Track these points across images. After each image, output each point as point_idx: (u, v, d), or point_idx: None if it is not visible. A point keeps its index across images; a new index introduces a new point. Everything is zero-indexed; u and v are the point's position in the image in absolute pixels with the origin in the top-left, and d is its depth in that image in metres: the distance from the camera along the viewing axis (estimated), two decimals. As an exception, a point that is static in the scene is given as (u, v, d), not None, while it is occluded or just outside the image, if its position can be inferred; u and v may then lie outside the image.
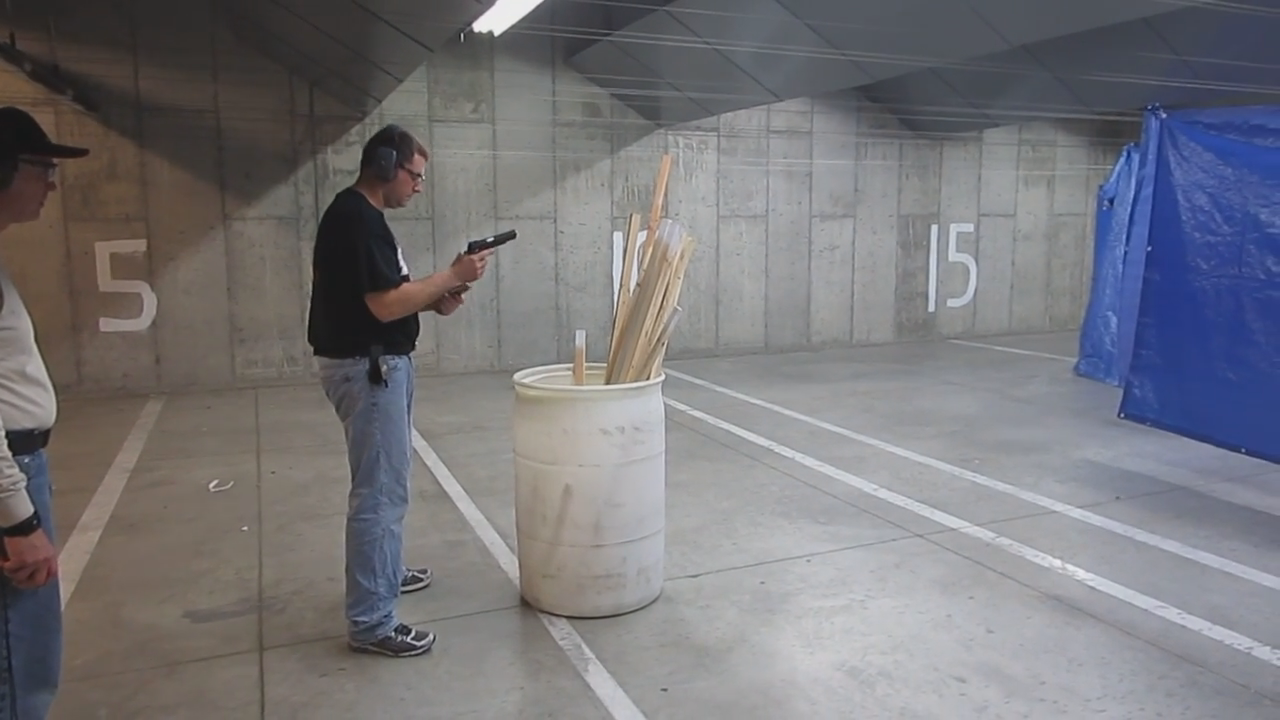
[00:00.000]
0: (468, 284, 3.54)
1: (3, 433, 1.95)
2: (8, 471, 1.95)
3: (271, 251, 8.62)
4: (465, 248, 3.50)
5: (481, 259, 3.47)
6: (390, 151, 3.38)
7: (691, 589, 3.98)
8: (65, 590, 3.92)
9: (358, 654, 3.36)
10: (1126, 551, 4.42)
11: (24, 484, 1.98)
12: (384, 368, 3.31)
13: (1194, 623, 3.61)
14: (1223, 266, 4.98)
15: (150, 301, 8.30)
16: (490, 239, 3.54)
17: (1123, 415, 5.72)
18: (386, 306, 3.30)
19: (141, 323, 8.29)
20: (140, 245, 8.21)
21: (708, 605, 3.81)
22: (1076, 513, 4.98)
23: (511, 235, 3.74)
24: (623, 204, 9.87)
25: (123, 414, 7.49)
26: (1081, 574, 4.11)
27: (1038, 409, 7.65)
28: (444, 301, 3.58)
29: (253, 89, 8.37)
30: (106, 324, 8.18)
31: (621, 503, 3.62)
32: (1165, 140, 5.40)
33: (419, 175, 3.50)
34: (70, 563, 4.25)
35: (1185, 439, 5.63)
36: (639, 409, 3.64)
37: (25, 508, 1.99)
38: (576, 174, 9.70)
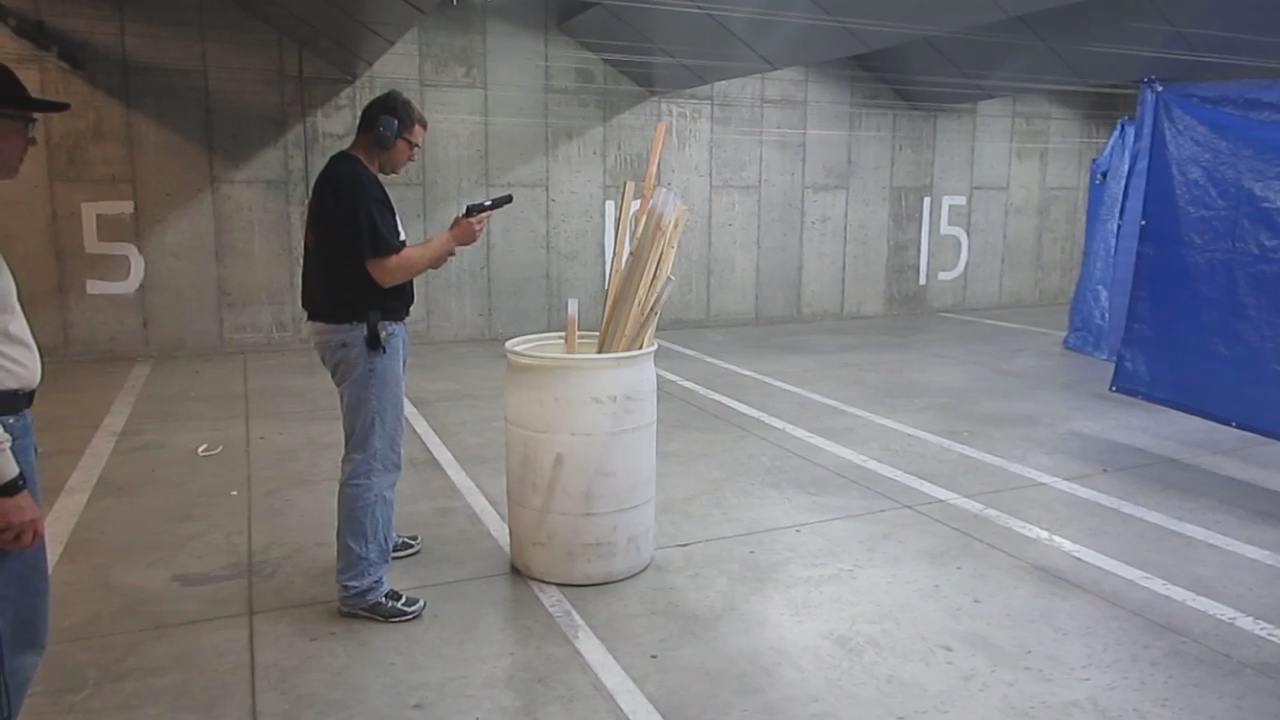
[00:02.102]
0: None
1: None
2: None
3: (260, 215, 8.53)
4: (463, 211, 3.47)
5: (479, 222, 3.45)
6: (392, 120, 3.33)
7: (681, 558, 3.99)
8: (53, 552, 3.92)
9: (348, 619, 3.37)
10: (1113, 523, 4.46)
11: (9, 445, 1.96)
12: (383, 333, 3.29)
13: (1178, 594, 3.66)
14: (1216, 241, 4.98)
15: (138, 264, 8.21)
16: (488, 203, 3.51)
17: (1114, 388, 5.75)
18: (389, 272, 3.27)
19: (129, 285, 8.22)
20: (127, 207, 8.11)
21: (697, 574, 3.83)
22: (1064, 485, 5.02)
23: (508, 199, 3.72)
24: (615, 172, 9.80)
25: (110, 377, 7.44)
26: (1068, 545, 4.15)
27: (1027, 382, 7.69)
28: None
29: (241, 49, 8.24)
30: (94, 286, 8.10)
31: (612, 471, 3.62)
32: (1160, 113, 5.38)
33: (417, 145, 3.47)
34: (58, 525, 4.24)
35: (1173, 412, 5.68)
36: (631, 378, 3.64)
37: (10, 469, 1.97)
38: (569, 141, 9.61)
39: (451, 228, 3.44)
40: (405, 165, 3.51)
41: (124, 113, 7.99)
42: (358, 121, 3.46)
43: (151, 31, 7.93)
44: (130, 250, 8.18)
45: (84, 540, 4.12)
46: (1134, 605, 3.56)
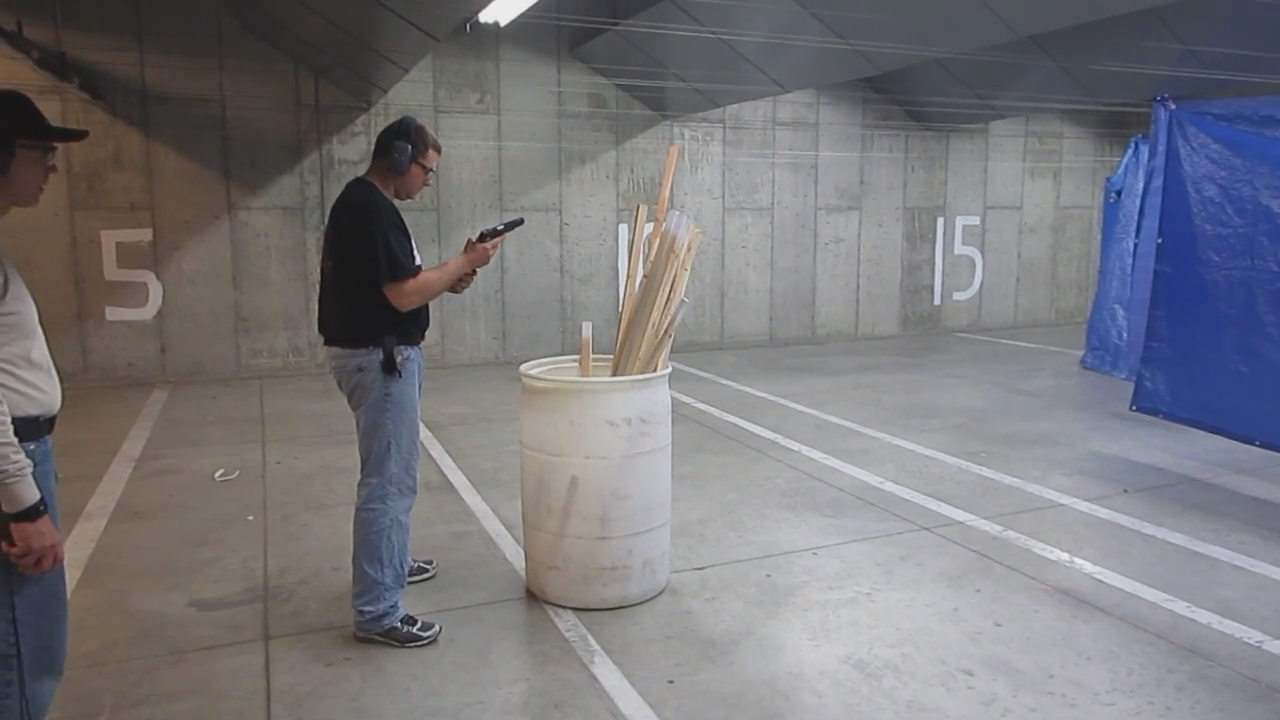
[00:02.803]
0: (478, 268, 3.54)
1: (8, 418, 1.95)
2: (14, 457, 1.94)
3: (276, 241, 8.60)
4: (476, 235, 3.49)
5: (493, 245, 3.47)
6: (405, 145, 3.36)
7: (697, 581, 3.97)
8: (71, 578, 3.92)
9: (363, 644, 3.36)
10: (1134, 545, 4.40)
11: (30, 470, 1.98)
12: (398, 358, 3.30)
13: (1203, 616, 3.60)
14: (1234, 258, 4.94)
15: (156, 290, 8.29)
16: (500, 226, 3.54)
17: (1134, 407, 5.69)
18: (406, 296, 3.29)
19: (147, 312, 8.29)
20: (146, 234, 8.20)
21: (714, 598, 3.80)
22: (1083, 506, 4.96)
23: (520, 222, 3.76)
24: (628, 196, 9.84)
25: (128, 403, 7.49)
26: (1089, 567, 4.10)
27: (1044, 402, 7.63)
28: (457, 282, 3.58)
29: (258, 78, 8.35)
30: (112, 313, 8.18)
31: (628, 494, 3.60)
32: (1174, 131, 5.36)
33: (431, 170, 3.49)
34: (76, 550, 4.25)
35: (1194, 431, 5.62)
36: (646, 401, 3.63)
37: (31, 493, 1.98)
38: (581, 166, 9.67)
39: (465, 251, 3.47)
40: (420, 190, 3.54)
41: (143, 141, 8.10)
42: (373, 148, 3.50)
43: (170, 62, 8.05)
44: (148, 277, 8.26)
45: (101, 565, 4.14)
46: (1158, 628, 3.50)
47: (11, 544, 1.99)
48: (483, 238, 3.47)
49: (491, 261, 3.58)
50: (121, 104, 7.98)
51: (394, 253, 3.26)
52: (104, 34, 7.83)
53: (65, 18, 7.59)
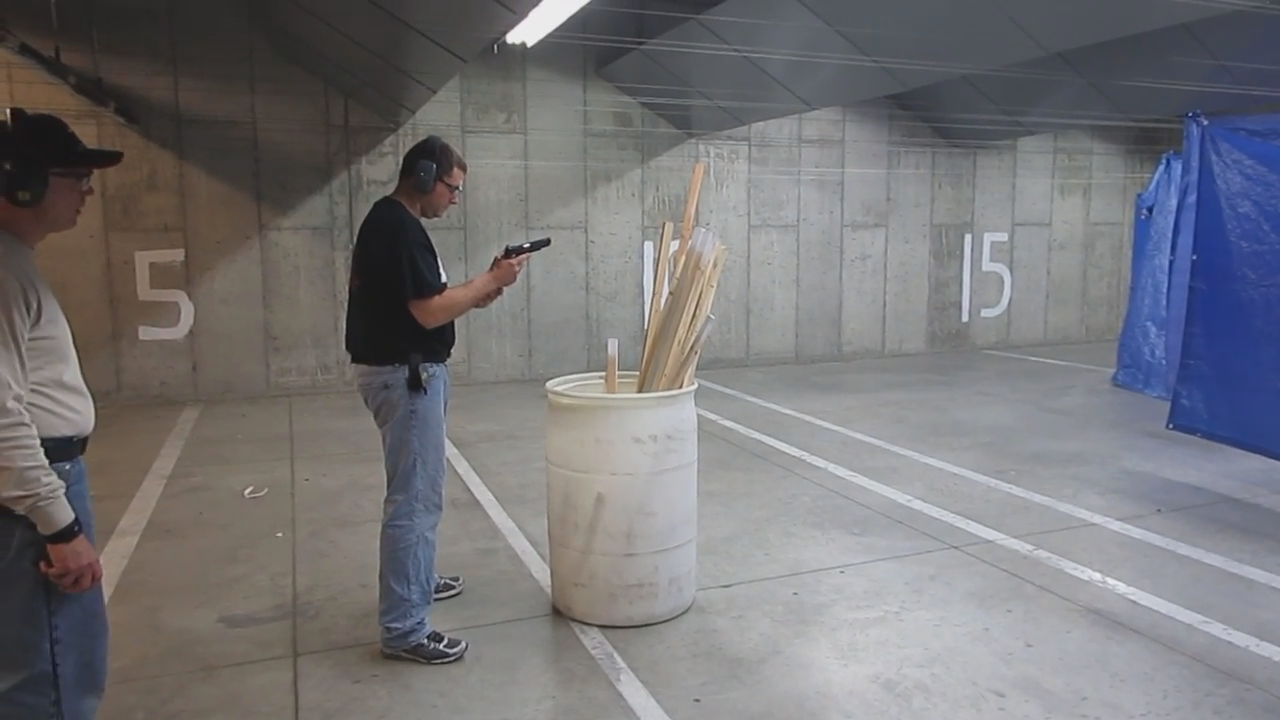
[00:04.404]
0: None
1: (38, 442, 1.96)
2: (45, 480, 1.97)
3: (306, 261, 8.71)
4: (502, 251, 3.51)
5: (519, 262, 3.49)
6: (430, 164, 3.40)
7: (724, 599, 3.94)
8: (104, 594, 3.98)
9: (390, 660, 3.37)
10: (1169, 565, 4.32)
11: (63, 491, 2.00)
12: (424, 375, 3.32)
13: (1240, 639, 3.52)
14: (1271, 275, 4.86)
15: (188, 310, 8.42)
16: (527, 244, 3.56)
17: (1171, 426, 5.60)
18: (431, 313, 3.32)
19: (179, 331, 8.42)
20: (178, 255, 8.34)
21: (740, 616, 3.78)
22: (1116, 525, 4.88)
23: (546, 242, 3.77)
24: (653, 213, 9.87)
25: (160, 421, 7.59)
26: (1122, 588, 4.03)
27: (1075, 420, 7.53)
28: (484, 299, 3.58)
29: (289, 100, 8.49)
30: (145, 332, 8.30)
31: (654, 511, 3.60)
32: (1207, 147, 5.30)
33: (456, 188, 3.52)
34: (109, 567, 4.29)
35: (1230, 450, 5.52)
36: (672, 417, 3.63)
37: (66, 514, 2.01)
38: (607, 184, 9.72)
39: (491, 268, 3.49)
40: (446, 208, 3.58)
41: (177, 164, 8.25)
42: (400, 168, 3.54)
43: (203, 85, 8.20)
44: (181, 297, 8.39)
45: (133, 582, 4.18)
46: (1193, 650, 3.43)
47: (49, 564, 2.01)
48: (508, 253, 3.48)
49: (518, 280, 3.60)
50: (156, 127, 8.14)
51: (419, 270, 3.29)
52: (139, 59, 8.00)
53: (102, 44, 7.78)
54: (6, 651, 2.03)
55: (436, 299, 3.33)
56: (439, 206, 3.51)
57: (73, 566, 2.02)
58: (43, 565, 2.02)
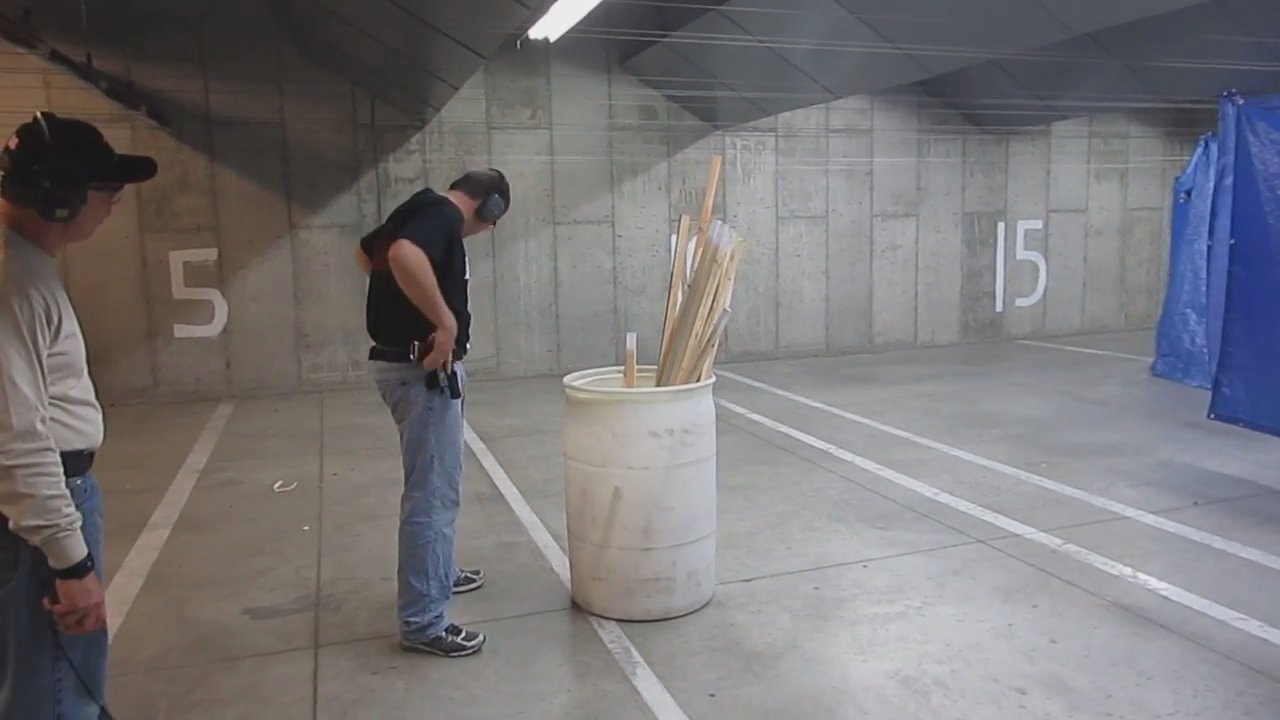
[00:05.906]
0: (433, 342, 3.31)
1: (61, 469, 1.91)
2: (65, 510, 1.90)
3: (335, 259, 8.80)
4: (447, 372, 3.35)
5: (441, 355, 3.29)
6: (501, 202, 3.70)
7: (744, 593, 3.92)
8: (134, 586, 4.08)
9: (409, 653, 3.40)
10: (1203, 560, 4.22)
11: (79, 524, 1.94)
12: (441, 375, 3.33)
13: (1277, 636, 3.42)
14: (1311, 259, 4.72)
15: (221, 308, 8.55)
16: (446, 373, 3.35)
17: (1212, 415, 5.45)
18: (407, 257, 3.12)
19: (213, 329, 8.55)
20: (211, 254, 8.47)
21: (760, 610, 3.75)
22: (1150, 518, 4.78)
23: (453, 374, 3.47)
24: (680, 206, 9.83)
25: (195, 417, 7.72)
26: (1154, 583, 3.93)
27: (1111, 411, 7.38)
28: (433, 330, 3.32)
29: (316, 101, 8.58)
30: (180, 330, 8.46)
31: (671, 506, 3.58)
32: (1244, 128, 5.15)
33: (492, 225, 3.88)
34: (140, 560, 4.40)
35: (1271, 440, 5.37)
36: (688, 411, 3.61)
37: (80, 549, 1.94)
38: (633, 177, 9.70)
39: (437, 333, 3.27)
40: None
41: (208, 165, 8.38)
42: (459, 178, 3.74)
43: (233, 88, 8.32)
44: (214, 295, 8.53)
45: (163, 575, 4.26)
46: (1226, 648, 3.34)
47: (55, 600, 1.94)
48: (443, 372, 3.34)
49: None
50: (187, 129, 8.27)
51: (432, 234, 3.25)
52: (170, 63, 8.13)
53: (133, 49, 7.93)
54: (10, 663, 2.00)
55: (422, 254, 3.15)
56: (476, 232, 3.81)
57: (80, 604, 1.95)
58: (48, 602, 1.95)
